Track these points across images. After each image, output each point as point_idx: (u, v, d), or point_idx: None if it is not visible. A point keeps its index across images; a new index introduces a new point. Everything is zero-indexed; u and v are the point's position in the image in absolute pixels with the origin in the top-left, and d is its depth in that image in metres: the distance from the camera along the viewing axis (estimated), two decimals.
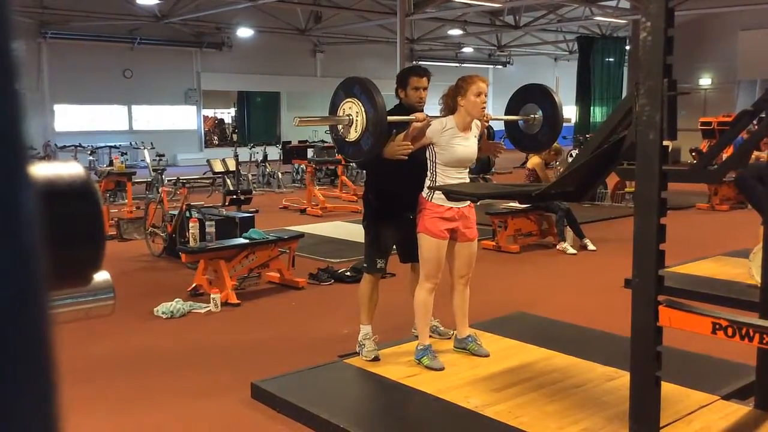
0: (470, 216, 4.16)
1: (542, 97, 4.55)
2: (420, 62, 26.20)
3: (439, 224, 4.01)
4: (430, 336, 4.28)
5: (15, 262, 0.38)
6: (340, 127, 3.75)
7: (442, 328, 4.59)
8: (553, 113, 4.47)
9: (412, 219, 4.12)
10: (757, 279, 5.57)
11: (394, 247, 4.43)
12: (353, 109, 3.68)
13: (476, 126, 4.14)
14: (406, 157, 3.92)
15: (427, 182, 4.05)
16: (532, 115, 4.51)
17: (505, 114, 4.70)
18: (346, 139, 3.75)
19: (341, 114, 3.74)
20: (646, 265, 2.65)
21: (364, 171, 4.67)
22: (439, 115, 4.13)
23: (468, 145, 4.05)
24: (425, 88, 4.25)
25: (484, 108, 4.06)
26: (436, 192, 3.97)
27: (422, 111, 4.07)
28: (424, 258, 4.07)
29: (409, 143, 3.91)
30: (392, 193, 4.21)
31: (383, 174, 4.20)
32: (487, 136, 4.45)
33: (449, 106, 4.07)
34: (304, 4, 19.14)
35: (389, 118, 3.73)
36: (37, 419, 0.39)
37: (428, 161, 4.03)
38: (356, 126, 3.67)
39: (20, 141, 0.38)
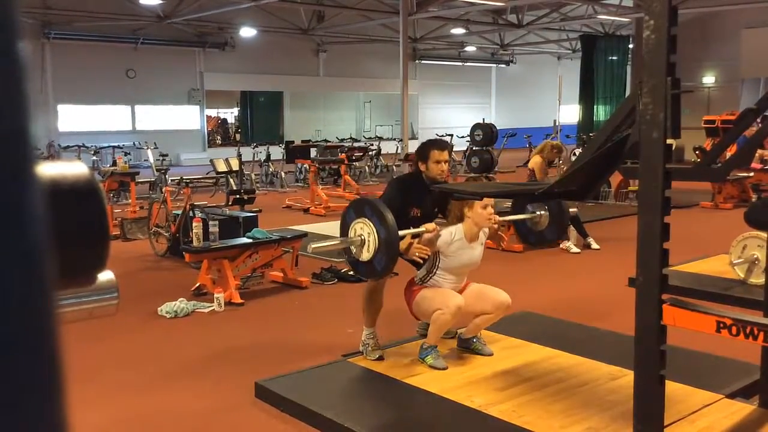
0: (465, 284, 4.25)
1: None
2: (423, 61, 26.21)
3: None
4: None
5: (22, 262, 0.38)
6: (352, 248, 3.79)
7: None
8: (559, 211, 4.46)
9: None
10: (736, 271, 5.63)
11: None
12: (365, 230, 3.72)
13: (484, 233, 4.20)
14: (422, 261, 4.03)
15: (422, 272, 4.15)
16: (538, 212, 4.48)
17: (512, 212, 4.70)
18: (360, 259, 3.78)
19: (353, 234, 3.78)
20: (650, 264, 2.64)
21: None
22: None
23: (473, 254, 4.13)
24: (446, 161, 4.31)
25: (491, 219, 4.06)
26: (431, 279, 4.10)
27: (433, 222, 4.07)
28: (428, 308, 4.05)
29: (428, 249, 3.97)
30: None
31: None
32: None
33: (456, 216, 4.11)
34: (307, 4, 19.13)
35: (400, 232, 3.75)
36: (45, 418, 0.39)
37: (430, 260, 4.08)
38: (368, 246, 3.71)
39: (27, 141, 0.39)
